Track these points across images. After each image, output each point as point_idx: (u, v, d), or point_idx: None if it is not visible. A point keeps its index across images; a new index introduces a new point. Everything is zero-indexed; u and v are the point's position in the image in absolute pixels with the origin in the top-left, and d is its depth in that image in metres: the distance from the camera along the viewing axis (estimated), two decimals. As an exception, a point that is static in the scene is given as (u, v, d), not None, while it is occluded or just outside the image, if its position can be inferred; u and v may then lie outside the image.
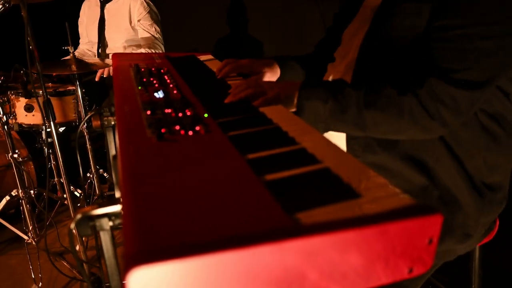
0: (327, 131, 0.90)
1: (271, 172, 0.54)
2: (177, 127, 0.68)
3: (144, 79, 1.03)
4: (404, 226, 0.43)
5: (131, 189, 0.47)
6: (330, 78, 1.12)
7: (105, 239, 0.70)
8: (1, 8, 1.69)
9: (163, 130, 0.66)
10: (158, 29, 2.70)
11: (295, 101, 0.90)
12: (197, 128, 0.68)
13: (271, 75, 1.24)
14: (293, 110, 0.90)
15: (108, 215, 0.63)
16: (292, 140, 0.66)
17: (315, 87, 0.91)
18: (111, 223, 0.65)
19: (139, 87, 0.95)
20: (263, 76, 1.23)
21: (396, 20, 0.92)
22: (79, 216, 0.58)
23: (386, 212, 0.45)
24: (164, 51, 2.72)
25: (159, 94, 0.89)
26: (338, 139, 1.04)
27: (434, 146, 0.94)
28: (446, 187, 0.95)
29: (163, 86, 0.97)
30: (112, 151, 1.21)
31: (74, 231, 0.64)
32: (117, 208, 0.59)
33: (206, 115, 0.77)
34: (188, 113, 0.76)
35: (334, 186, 0.51)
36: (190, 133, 0.66)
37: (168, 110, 0.77)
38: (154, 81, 1.01)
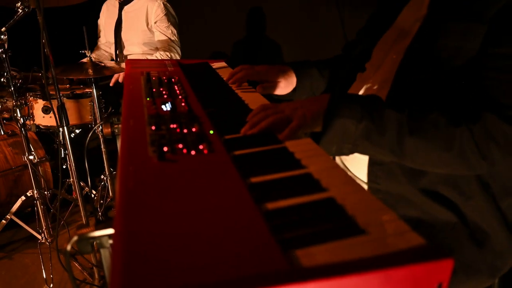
0: (352, 153, 0.80)
1: (272, 200, 0.52)
2: (180, 145, 0.66)
3: (154, 89, 1.02)
4: (412, 271, 0.40)
5: (123, 220, 0.45)
6: (362, 90, 1.03)
7: (105, 256, 0.69)
8: (21, 12, 1.72)
9: (165, 149, 0.64)
10: (174, 31, 2.70)
11: (322, 117, 0.78)
12: (201, 147, 0.66)
13: (286, 84, 1.19)
14: (319, 129, 0.79)
15: (108, 235, 0.62)
16: (298, 162, 0.63)
17: (348, 102, 0.79)
18: (111, 241, 0.64)
19: (148, 98, 0.94)
20: (277, 86, 1.17)
21: (441, 39, 0.84)
22: (75, 238, 0.56)
23: (392, 254, 0.41)
24: (180, 53, 2.72)
25: (167, 107, 0.87)
26: (359, 162, 0.96)
27: (468, 184, 0.86)
28: (478, 225, 0.87)
29: (172, 98, 0.95)
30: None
31: (75, 246, 0.63)
32: (112, 230, 0.57)
33: (211, 131, 0.75)
34: (193, 129, 0.74)
35: (338, 220, 0.48)
36: (193, 152, 0.64)
37: (173, 125, 0.75)
38: (164, 92, 1.00)
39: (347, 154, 0.80)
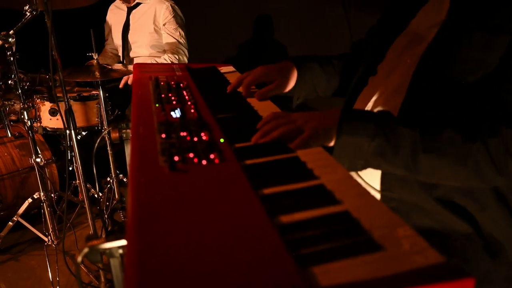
0: (365, 168, 0.80)
1: (285, 212, 0.51)
2: (191, 155, 0.65)
3: (163, 95, 1.01)
4: (431, 291, 0.39)
5: (136, 231, 0.45)
6: (374, 97, 1.01)
7: (114, 265, 0.68)
8: (29, 15, 1.72)
9: (176, 158, 0.63)
10: (182, 33, 2.70)
11: (334, 134, 0.78)
12: (212, 156, 0.65)
13: (288, 81, 1.16)
14: (331, 144, 0.79)
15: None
16: (310, 173, 0.62)
17: (359, 119, 0.79)
18: (121, 251, 0.64)
19: (157, 104, 0.93)
20: (278, 86, 1.14)
21: (462, 50, 0.82)
22: (86, 250, 0.56)
23: (411, 272, 0.40)
24: (188, 55, 2.72)
25: (176, 114, 0.87)
26: (372, 170, 0.91)
27: (484, 194, 0.84)
28: (493, 237, 0.86)
29: (181, 104, 0.95)
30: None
31: (84, 258, 0.63)
32: (124, 242, 0.57)
33: (222, 140, 0.74)
34: (204, 137, 0.73)
35: (354, 235, 0.47)
36: (204, 162, 0.64)
37: (183, 133, 0.75)
38: (172, 97, 0.99)
39: (360, 169, 0.79)
